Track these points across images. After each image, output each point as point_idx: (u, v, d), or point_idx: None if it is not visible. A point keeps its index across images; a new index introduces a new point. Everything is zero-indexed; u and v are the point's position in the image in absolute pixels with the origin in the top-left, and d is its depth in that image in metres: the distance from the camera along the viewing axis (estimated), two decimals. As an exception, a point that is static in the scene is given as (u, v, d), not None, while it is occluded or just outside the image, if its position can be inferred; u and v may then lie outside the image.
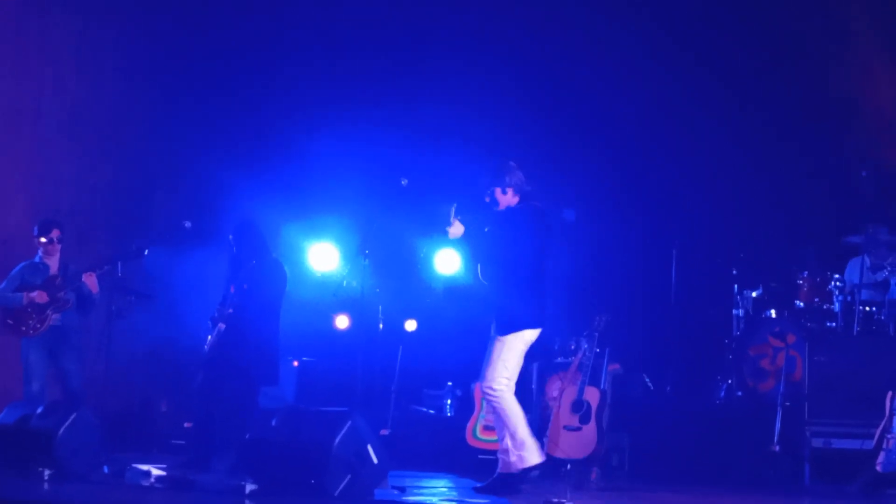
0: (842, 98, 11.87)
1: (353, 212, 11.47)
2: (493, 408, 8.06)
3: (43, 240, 9.86)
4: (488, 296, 8.01)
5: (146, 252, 9.70)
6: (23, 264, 9.99)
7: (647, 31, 12.43)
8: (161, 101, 12.90)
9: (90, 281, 9.65)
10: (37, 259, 9.91)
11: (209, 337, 9.40)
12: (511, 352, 7.98)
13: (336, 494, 7.03)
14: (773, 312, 10.40)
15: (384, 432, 8.64)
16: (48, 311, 9.67)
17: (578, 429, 9.56)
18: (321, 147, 12.34)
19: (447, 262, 11.61)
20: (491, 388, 7.98)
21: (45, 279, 9.76)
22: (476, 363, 10.11)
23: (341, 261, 11.88)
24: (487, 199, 8.06)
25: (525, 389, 10.67)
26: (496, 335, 7.98)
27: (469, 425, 10.01)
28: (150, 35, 12.88)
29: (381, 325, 10.61)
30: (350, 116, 12.45)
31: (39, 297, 9.65)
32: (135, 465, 8.43)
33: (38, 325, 9.69)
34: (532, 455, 7.93)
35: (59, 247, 9.89)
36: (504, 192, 8.06)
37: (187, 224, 9.82)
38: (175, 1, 13.08)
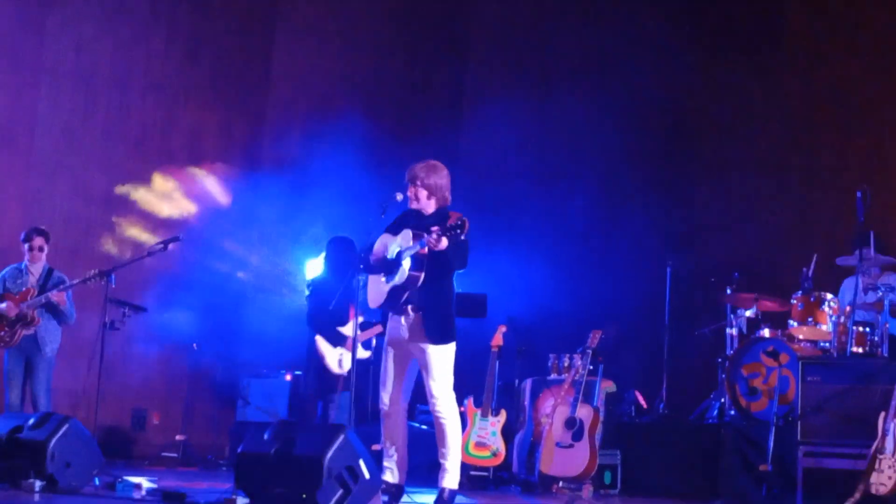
0: (838, 116, 11.91)
1: (351, 226, 11.48)
2: (444, 424, 7.77)
3: (26, 246, 9.96)
4: (422, 298, 7.67)
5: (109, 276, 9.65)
6: (7, 269, 10.07)
7: (640, 44, 12.48)
8: (155, 114, 12.93)
9: (57, 297, 9.77)
10: (22, 265, 10.05)
11: (342, 355, 9.52)
12: (450, 361, 7.73)
13: (327, 509, 7.01)
14: (766, 332, 10.40)
15: (376, 447, 8.60)
16: (17, 327, 9.73)
17: (571, 446, 9.56)
18: (318, 161, 12.36)
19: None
20: (448, 399, 7.74)
21: (21, 291, 9.83)
22: (470, 379, 10.13)
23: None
24: (403, 197, 7.74)
25: (518, 406, 10.68)
26: (436, 344, 7.64)
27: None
28: (144, 48, 12.92)
29: (373, 342, 10.59)
30: (349, 129, 12.45)
31: (8, 309, 9.72)
32: (126, 478, 8.41)
33: (9, 339, 9.77)
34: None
35: (41, 255, 9.99)
36: (428, 198, 7.76)
37: (181, 236, 9.84)
38: (168, 12, 13.12)
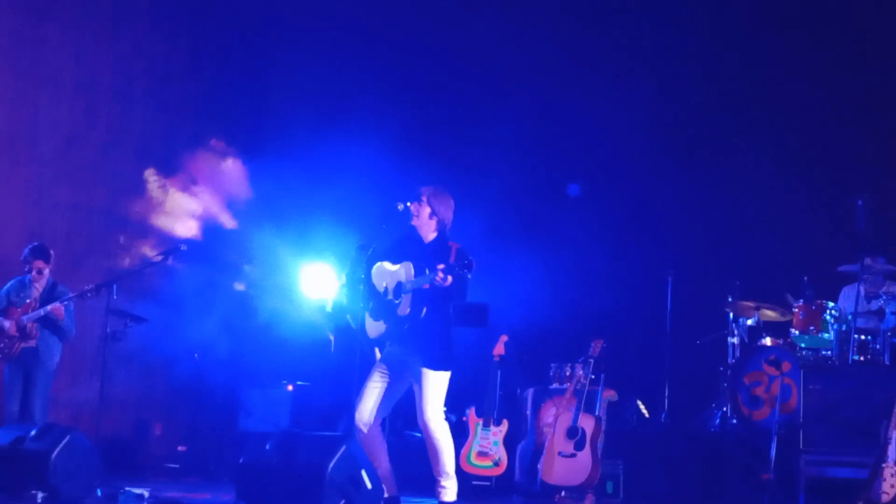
0: (839, 127, 11.92)
1: (351, 235, 11.48)
2: (437, 444, 7.79)
3: (26, 268, 9.98)
4: (422, 330, 7.73)
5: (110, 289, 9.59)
6: (11, 282, 10.08)
7: (643, 54, 12.50)
8: (156, 124, 12.93)
9: (56, 311, 9.75)
10: (26, 278, 10.02)
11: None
12: (444, 386, 7.78)
13: (330, 519, 7.01)
14: (768, 340, 10.40)
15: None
16: (16, 340, 9.74)
17: (573, 455, 9.55)
18: (321, 175, 12.36)
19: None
20: (439, 421, 7.78)
21: (23, 305, 9.83)
22: (472, 389, 10.13)
23: (339, 285, 11.87)
24: (404, 207, 7.81)
25: (520, 415, 10.67)
26: (429, 369, 7.69)
27: (463, 451, 9.99)
28: (145, 58, 12.93)
29: (377, 350, 10.61)
30: (353, 144, 12.44)
31: (10, 327, 9.74)
32: (128, 489, 8.42)
33: (8, 351, 9.77)
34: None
35: (42, 277, 9.99)
36: (430, 217, 7.85)
37: (183, 247, 9.84)
38: (169, 23, 13.13)
